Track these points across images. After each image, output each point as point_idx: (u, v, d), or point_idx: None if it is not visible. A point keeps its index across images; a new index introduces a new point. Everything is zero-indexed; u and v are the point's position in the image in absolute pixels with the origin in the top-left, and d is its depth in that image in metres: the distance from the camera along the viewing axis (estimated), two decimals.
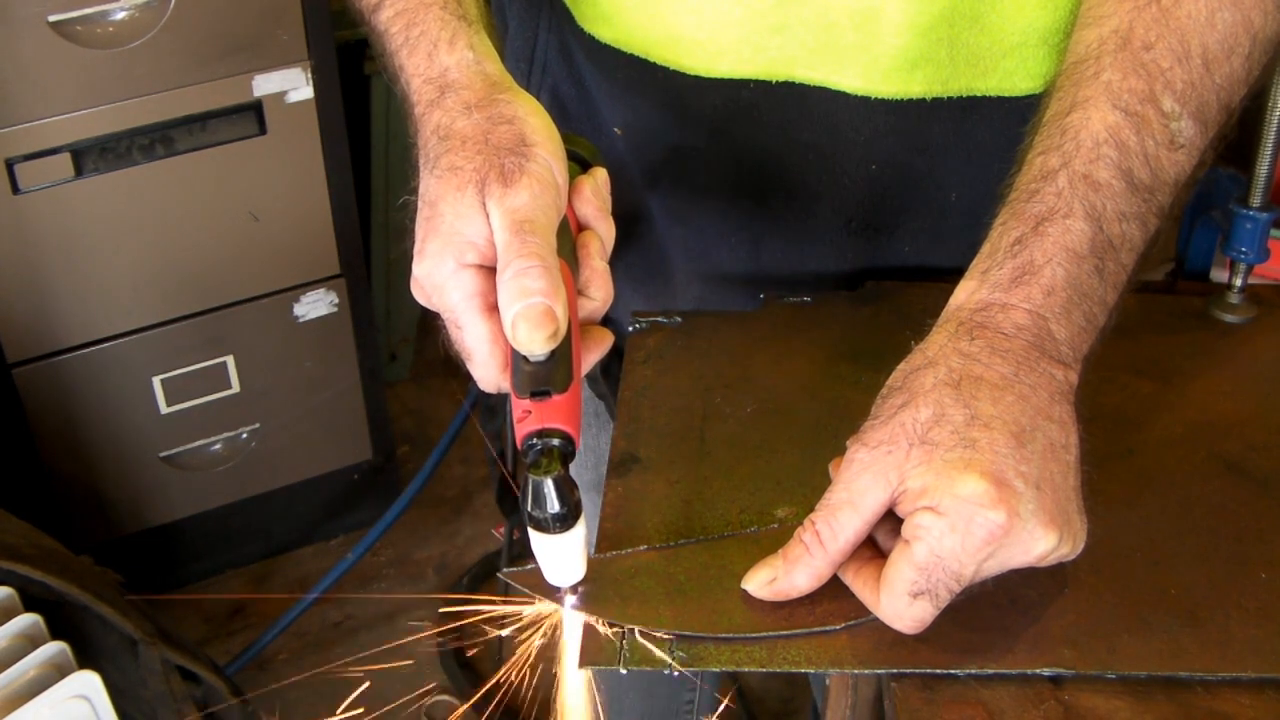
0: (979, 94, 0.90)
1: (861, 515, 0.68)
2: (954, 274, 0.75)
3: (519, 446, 0.69)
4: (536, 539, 0.70)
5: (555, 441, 0.68)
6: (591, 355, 0.77)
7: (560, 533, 0.69)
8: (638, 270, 1.07)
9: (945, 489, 0.65)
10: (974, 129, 0.92)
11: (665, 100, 0.96)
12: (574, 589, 0.72)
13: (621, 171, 1.01)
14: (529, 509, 0.68)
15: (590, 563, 0.74)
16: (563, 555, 0.70)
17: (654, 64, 0.94)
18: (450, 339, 0.74)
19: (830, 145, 0.93)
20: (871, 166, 0.93)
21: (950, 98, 0.90)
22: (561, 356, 0.69)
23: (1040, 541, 0.66)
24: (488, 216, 0.71)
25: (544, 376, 0.69)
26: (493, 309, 0.71)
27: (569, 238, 0.76)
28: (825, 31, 0.88)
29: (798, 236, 0.99)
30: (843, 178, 0.94)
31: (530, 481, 0.68)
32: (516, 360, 0.70)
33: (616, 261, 1.07)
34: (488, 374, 0.72)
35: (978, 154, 0.93)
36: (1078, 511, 0.68)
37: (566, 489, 0.68)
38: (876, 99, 0.90)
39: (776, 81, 0.91)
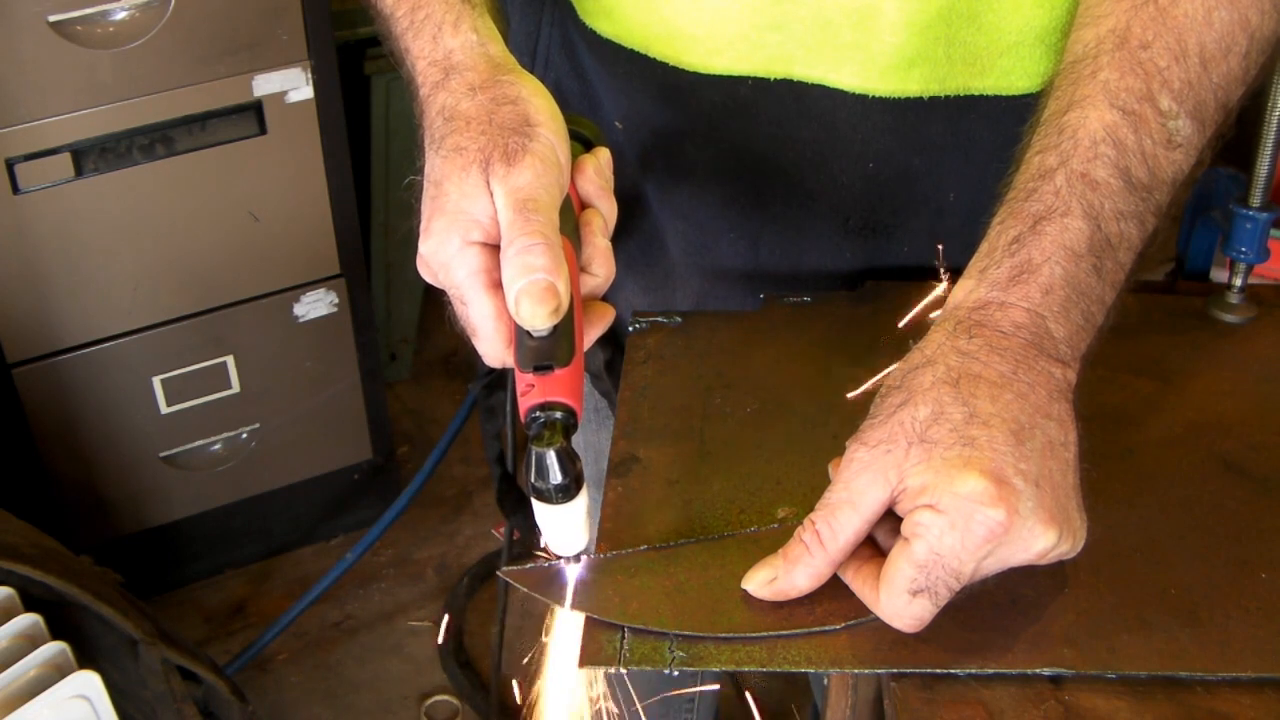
0: (976, 93, 0.90)
1: (861, 514, 0.68)
2: (953, 274, 0.75)
3: (523, 420, 0.71)
4: (540, 509, 0.72)
5: (558, 414, 0.70)
6: (594, 330, 0.78)
7: (563, 503, 0.71)
8: (638, 263, 1.07)
9: (945, 487, 0.65)
10: (971, 128, 0.92)
11: (664, 95, 0.96)
12: (577, 558, 0.74)
13: (622, 165, 1.02)
14: (532, 480, 0.70)
15: (590, 562, 0.74)
16: (566, 525, 0.72)
17: (653, 59, 0.94)
18: (456, 315, 0.75)
19: (828, 143, 0.93)
20: (869, 165, 0.94)
21: (947, 96, 0.90)
22: (564, 331, 0.71)
23: (1040, 539, 0.66)
24: (492, 195, 0.72)
25: (547, 351, 0.71)
26: (497, 285, 0.72)
27: (572, 216, 0.77)
28: (822, 30, 0.88)
29: (796, 234, 0.99)
30: (840, 176, 0.95)
31: (533, 453, 0.70)
32: (520, 335, 0.72)
33: (618, 254, 1.07)
34: (493, 349, 0.73)
35: (975, 153, 0.93)
36: (1077, 509, 0.68)
37: (568, 460, 0.70)
38: (874, 97, 0.90)
39: (774, 79, 0.91)
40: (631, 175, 1.02)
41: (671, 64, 0.94)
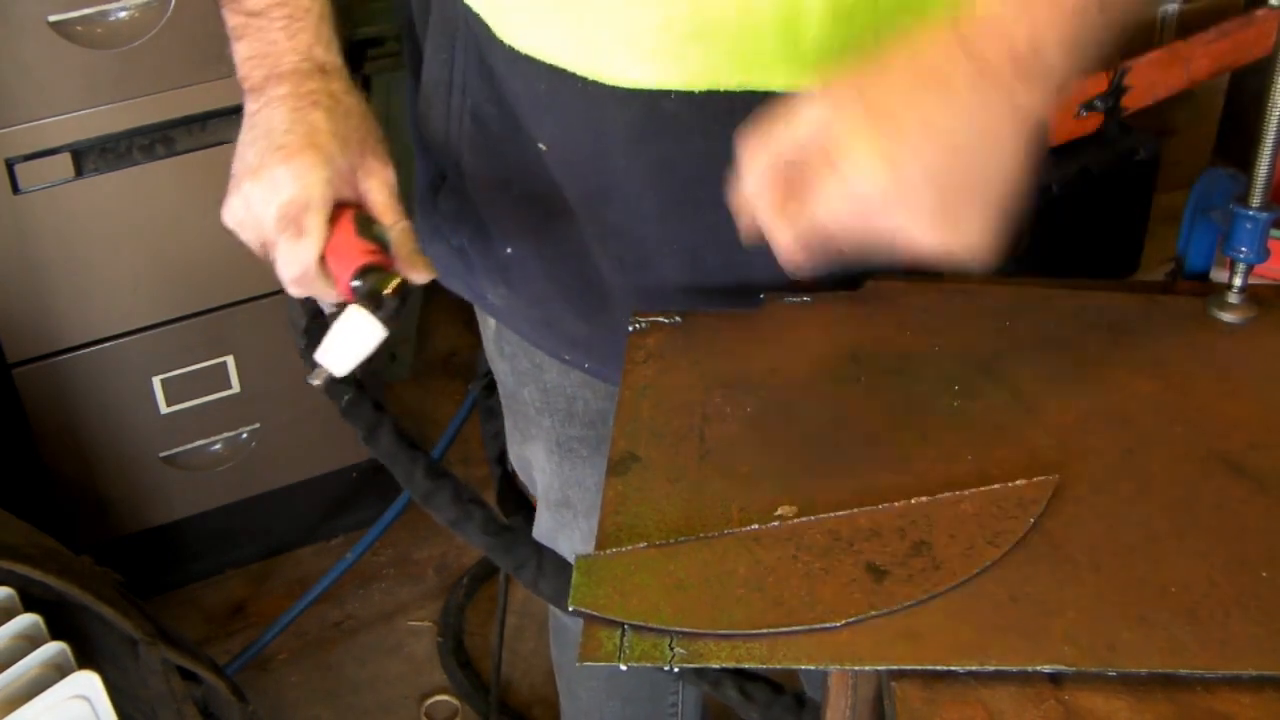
0: None
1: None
2: (952, 273, 0.75)
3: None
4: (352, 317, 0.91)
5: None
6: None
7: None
8: (572, 290, 1.04)
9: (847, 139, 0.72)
10: None
11: (586, 111, 0.93)
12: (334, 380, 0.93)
13: (550, 190, 0.98)
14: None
15: (590, 561, 0.74)
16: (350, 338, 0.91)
17: (572, 74, 0.92)
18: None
19: None
20: None
21: None
22: None
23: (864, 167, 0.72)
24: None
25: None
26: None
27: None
28: (748, 37, 0.86)
29: (735, 242, 0.98)
30: None
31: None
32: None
33: (548, 281, 1.06)
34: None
35: None
36: (979, 214, 0.72)
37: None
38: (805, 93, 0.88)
39: (698, 92, 0.89)
40: (561, 201, 0.99)
41: (591, 78, 0.91)
